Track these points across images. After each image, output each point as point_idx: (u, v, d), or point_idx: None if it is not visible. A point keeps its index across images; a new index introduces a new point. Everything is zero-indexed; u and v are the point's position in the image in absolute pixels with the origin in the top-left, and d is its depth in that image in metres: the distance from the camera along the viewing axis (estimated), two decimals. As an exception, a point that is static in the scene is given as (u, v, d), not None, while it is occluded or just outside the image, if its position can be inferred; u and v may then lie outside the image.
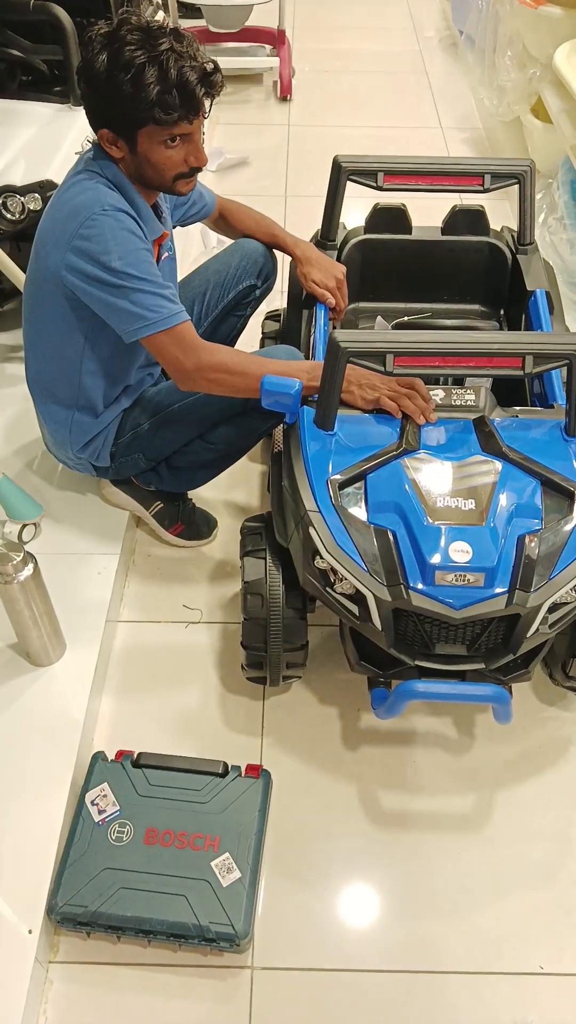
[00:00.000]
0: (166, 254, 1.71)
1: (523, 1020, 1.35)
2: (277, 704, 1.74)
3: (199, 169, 1.57)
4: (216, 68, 1.48)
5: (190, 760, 1.53)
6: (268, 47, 3.95)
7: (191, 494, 2.00)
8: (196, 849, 1.42)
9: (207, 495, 2.07)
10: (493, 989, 1.39)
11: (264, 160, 3.42)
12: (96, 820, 1.45)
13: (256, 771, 1.54)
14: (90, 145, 1.59)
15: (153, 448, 1.78)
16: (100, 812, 1.46)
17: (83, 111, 2.20)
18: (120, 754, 1.55)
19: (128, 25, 1.43)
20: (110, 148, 1.52)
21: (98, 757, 1.54)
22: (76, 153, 2.24)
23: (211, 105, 1.52)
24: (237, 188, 3.23)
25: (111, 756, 1.55)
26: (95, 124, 1.52)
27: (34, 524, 1.91)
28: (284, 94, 3.79)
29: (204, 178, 3.26)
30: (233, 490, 2.12)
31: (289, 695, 1.75)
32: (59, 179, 2.11)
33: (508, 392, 1.85)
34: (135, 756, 1.54)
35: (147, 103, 1.41)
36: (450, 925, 1.45)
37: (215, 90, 1.48)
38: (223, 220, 1.91)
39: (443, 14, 4.57)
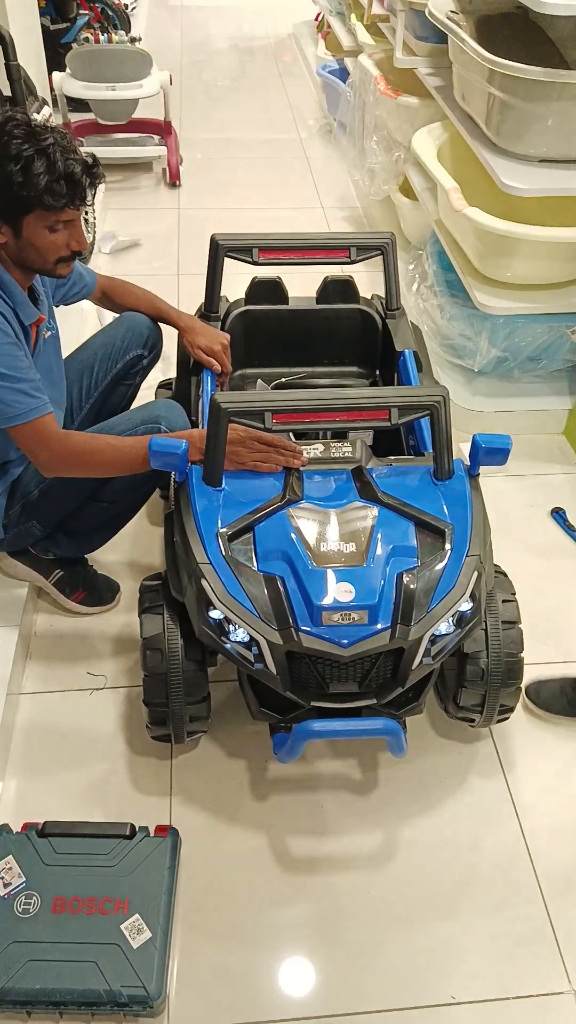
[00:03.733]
0: (47, 333, 1.78)
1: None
2: (185, 763, 1.75)
3: (79, 253, 1.66)
4: (96, 162, 1.60)
5: (96, 825, 1.53)
6: (156, 137, 4.16)
7: (92, 560, 2.03)
8: (105, 913, 1.41)
9: (109, 560, 2.11)
10: None
11: (156, 242, 3.57)
12: (2, 895, 1.42)
13: (164, 831, 1.54)
14: None
15: (45, 514, 1.81)
16: (5, 885, 1.43)
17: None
18: (25, 826, 1.53)
19: (14, 121, 1.53)
20: None
21: (2, 831, 1.52)
22: None
23: (94, 194, 1.61)
24: (130, 269, 3.35)
25: (16, 829, 1.53)
26: None
27: None
28: (173, 180, 3.98)
29: (98, 260, 3.39)
30: (135, 554, 2.16)
31: (196, 752, 1.77)
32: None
33: (389, 445, 1.98)
34: (40, 826, 1.52)
35: (37, 191, 1.52)
36: (363, 965, 1.47)
37: (97, 180, 1.61)
38: (107, 297, 2.00)
39: (320, 104, 4.92)
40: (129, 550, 2.16)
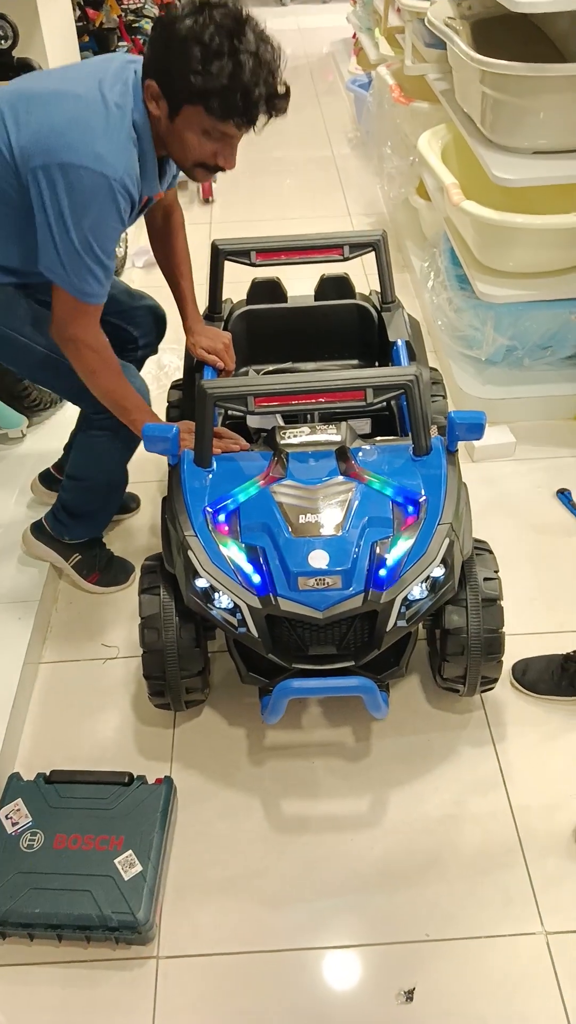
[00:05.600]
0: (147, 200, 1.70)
1: (408, 987, 1.45)
2: (188, 728, 1.88)
3: (222, 169, 1.57)
4: (287, 93, 1.47)
5: (97, 773, 1.68)
6: (192, 157, 4.36)
7: (110, 544, 2.20)
8: (101, 849, 1.54)
9: (128, 544, 2.27)
10: (382, 958, 1.50)
11: (188, 254, 3.74)
12: (9, 832, 1.58)
13: (160, 781, 1.67)
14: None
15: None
16: (13, 824, 1.59)
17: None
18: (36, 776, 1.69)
19: (223, 8, 1.40)
20: (150, 102, 1.49)
21: (14, 778, 1.67)
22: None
23: (266, 123, 1.50)
24: (161, 281, 3.52)
25: (28, 778, 1.68)
26: (147, 72, 1.49)
27: (21, 432, 2.54)
28: (205, 197, 4.17)
29: (131, 275, 3.59)
30: (152, 540, 2.32)
31: (199, 719, 1.90)
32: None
33: (388, 433, 2.07)
34: (47, 774, 1.67)
35: (209, 88, 1.39)
36: (341, 905, 1.57)
37: (276, 113, 1.48)
38: (165, 225, 1.99)
39: (351, 116, 5.06)
40: (147, 537, 2.31)
